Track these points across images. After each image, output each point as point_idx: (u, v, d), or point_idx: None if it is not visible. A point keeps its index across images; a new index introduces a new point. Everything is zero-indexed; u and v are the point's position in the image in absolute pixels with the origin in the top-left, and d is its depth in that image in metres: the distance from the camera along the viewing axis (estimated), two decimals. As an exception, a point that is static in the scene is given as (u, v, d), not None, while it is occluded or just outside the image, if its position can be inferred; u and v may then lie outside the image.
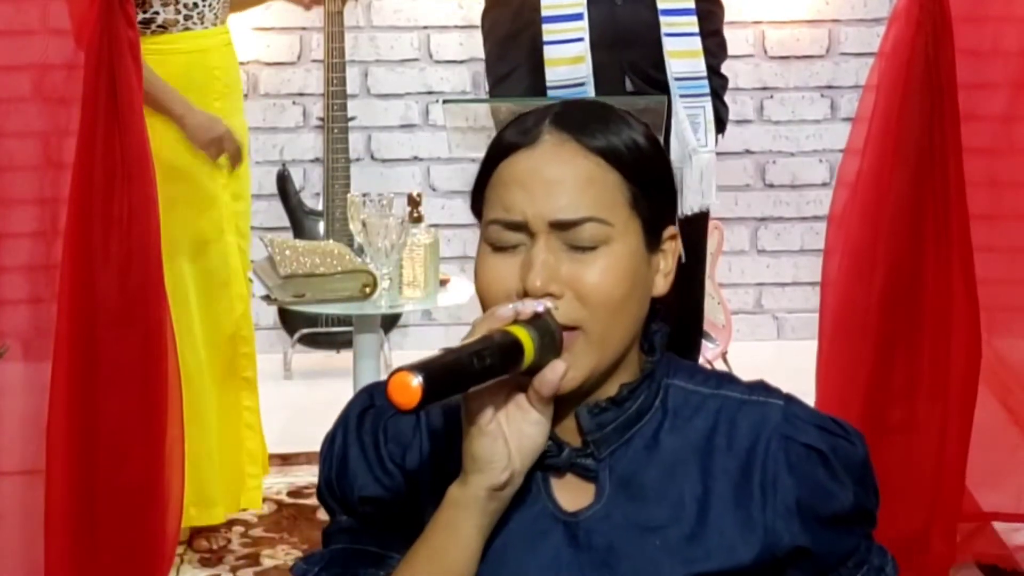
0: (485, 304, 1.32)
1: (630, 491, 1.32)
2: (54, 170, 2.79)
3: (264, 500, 3.66)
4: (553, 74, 3.35)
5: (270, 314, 4.72)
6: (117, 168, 2.74)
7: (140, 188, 2.78)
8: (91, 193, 2.72)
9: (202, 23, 3.25)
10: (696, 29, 3.42)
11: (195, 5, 3.21)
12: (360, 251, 3.03)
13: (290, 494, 3.75)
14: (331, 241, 3.73)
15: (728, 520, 1.31)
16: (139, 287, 2.79)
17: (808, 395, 2.86)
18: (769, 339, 5.25)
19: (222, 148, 3.26)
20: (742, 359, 4.76)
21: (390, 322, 4.71)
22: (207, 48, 3.25)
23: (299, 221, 4.61)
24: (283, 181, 4.65)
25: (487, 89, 5.00)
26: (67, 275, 2.72)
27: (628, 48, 3.40)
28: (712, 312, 4.18)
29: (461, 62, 4.97)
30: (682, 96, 3.42)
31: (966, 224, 2.74)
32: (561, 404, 1.30)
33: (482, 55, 5.17)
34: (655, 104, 3.07)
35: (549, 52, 3.37)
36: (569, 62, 3.37)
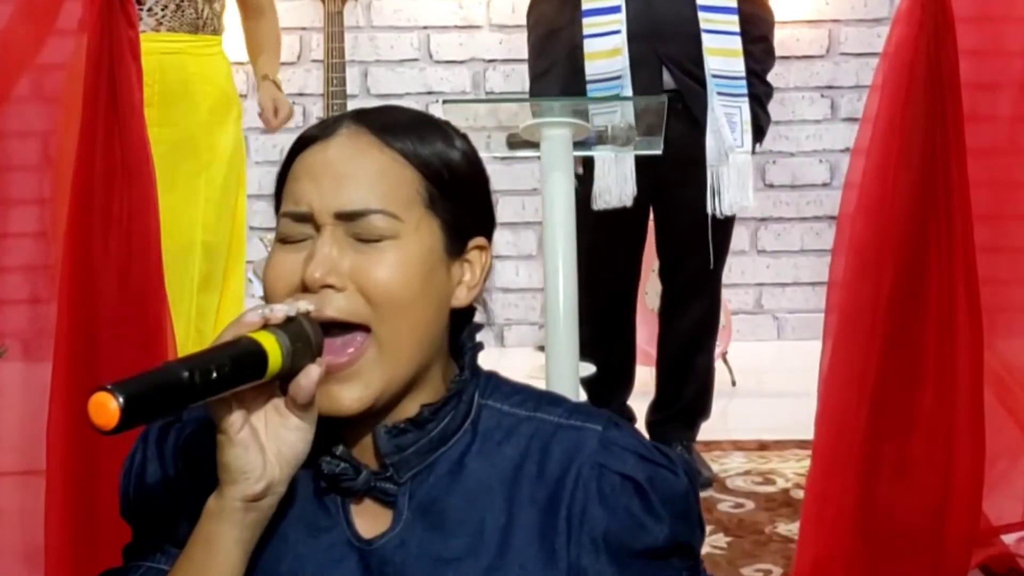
0: (269, 299, 1.26)
1: (429, 518, 1.26)
2: (54, 170, 2.79)
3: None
4: (592, 68, 3.37)
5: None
6: (117, 168, 2.74)
7: (140, 188, 2.78)
8: (91, 193, 2.72)
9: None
10: (736, 29, 3.42)
11: (149, 9, 3.19)
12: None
13: (290, 494, 3.74)
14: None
15: (531, 553, 1.24)
16: (139, 287, 2.79)
17: (808, 395, 2.85)
18: (769, 339, 5.25)
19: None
20: (742, 359, 4.76)
21: (390, 322, 4.71)
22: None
23: (299, 221, 4.61)
24: (283, 181, 4.65)
25: (487, 89, 5.01)
26: (67, 275, 2.72)
27: (665, 41, 3.41)
28: (713, 312, 4.17)
29: (461, 62, 4.98)
30: (719, 94, 3.42)
31: (969, 225, 2.74)
32: (359, 424, 1.25)
33: (482, 55, 5.18)
34: (655, 104, 3.07)
35: (588, 46, 3.38)
36: (606, 55, 3.38)
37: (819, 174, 5.15)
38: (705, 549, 3.38)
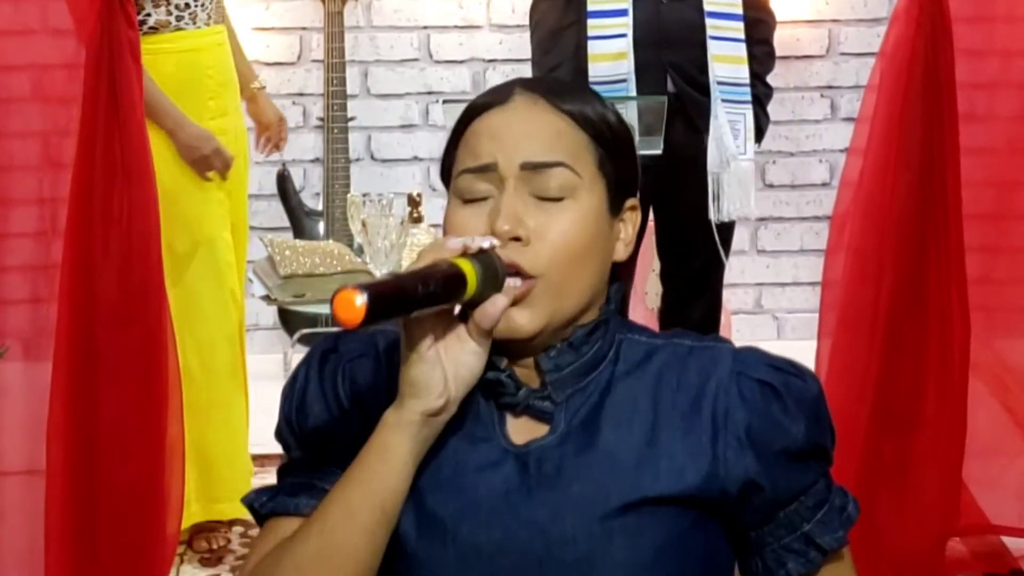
0: None
1: (582, 428, 1.34)
2: (54, 170, 2.79)
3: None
4: (595, 70, 3.36)
5: (270, 314, 4.72)
6: (117, 168, 2.74)
7: (140, 188, 2.78)
8: (91, 193, 2.72)
9: (194, 23, 3.25)
10: (742, 35, 3.42)
11: (187, 6, 3.21)
12: (360, 251, 3.03)
13: (290, 494, 3.74)
14: (331, 241, 3.73)
15: (677, 447, 1.33)
16: (139, 287, 2.79)
17: (808, 395, 2.86)
18: (769, 339, 5.24)
19: (210, 166, 3.25)
20: (742, 359, 4.77)
21: (390, 322, 4.71)
22: (199, 48, 3.25)
23: (299, 221, 4.61)
24: (283, 181, 4.65)
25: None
26: (67, 275, 2.72)
27: (671, 48, 3.40)
28: (712, 312, 4.17)
29: (461, 62, 4.97)
30: (724, 101, 3.42)
31: (959, 224, 2.74)
32: (521, 352, 1.34)
33: (482, 55, 5.17)
34: (655, 104, 3.08)
35: (592, 47, 3.37)
36: (611, 58, 3.37)
37: (819, 174, 5.15)
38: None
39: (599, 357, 1.37)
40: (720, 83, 3.40)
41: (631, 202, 1.40)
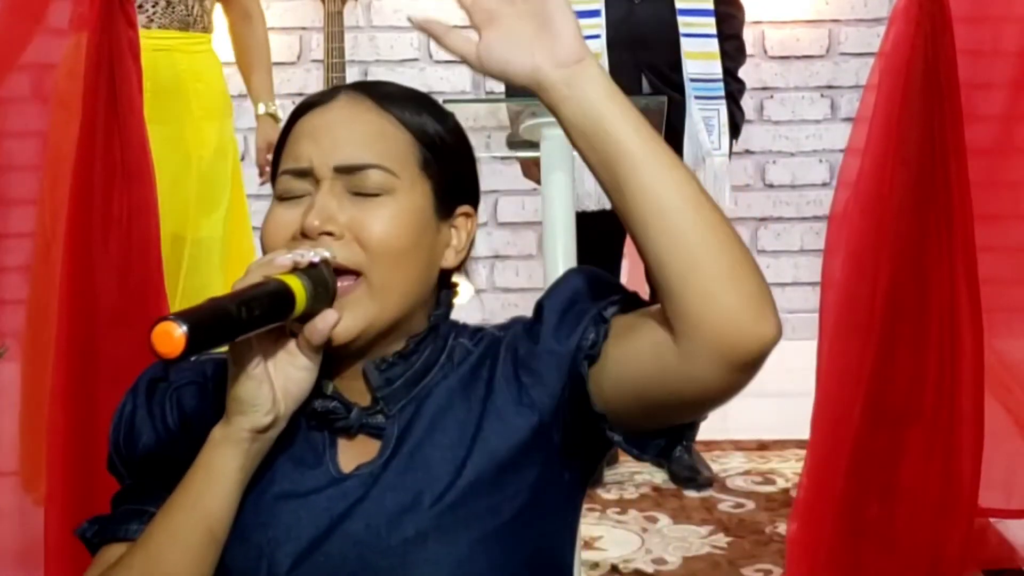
0: (267, 251, 1.32)
1: (413, 437, 1.33)
2: (49, 170, 2.78)
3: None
4: None
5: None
6: (117, 168, 2.74)
7: (140, 188, 2.78)
8: (91, 193, 2.72)
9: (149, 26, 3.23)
10: (714, 31, 3.42)
11: (140, 7, 3.19)
12: (360, 251, 3.03)
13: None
14: (331, 241, 3.73)
15: (509, 410, 1.32)
16: (139, 287, 2.79)
17: (810, 395, 2.85)
18: (769, 339, 5.24)
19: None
20: (742, 359, 4.76)
21: (390, 322, 4.72)
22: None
23: (299, 221, 4.62)
24: (283, 181, 4.66)
25: (487, 89, 5.01)
26: (67, 275, 2.72)
27: (645, 48, 3.40)
28: (712, 312, 4.17)
29: (461, 62, 4.97)
30: (697, 98, 3.42)
31: (970, 224, 2.74)
32: (346, 365, 1.33)
33: (482, 55, 5.17)
34: (655, 104, 3.07)
35: None
36: None
37: (819, 174, 5.15)
38: (705, 549, 3.38)
39: (429, 364, 1.36)
40: (693, 80, 3.40)
41: (464, 209, 1.40)
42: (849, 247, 2.80)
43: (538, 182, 3.27)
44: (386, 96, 1.38)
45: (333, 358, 1.32)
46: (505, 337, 1.38)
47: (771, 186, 5.17)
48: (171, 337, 1.13)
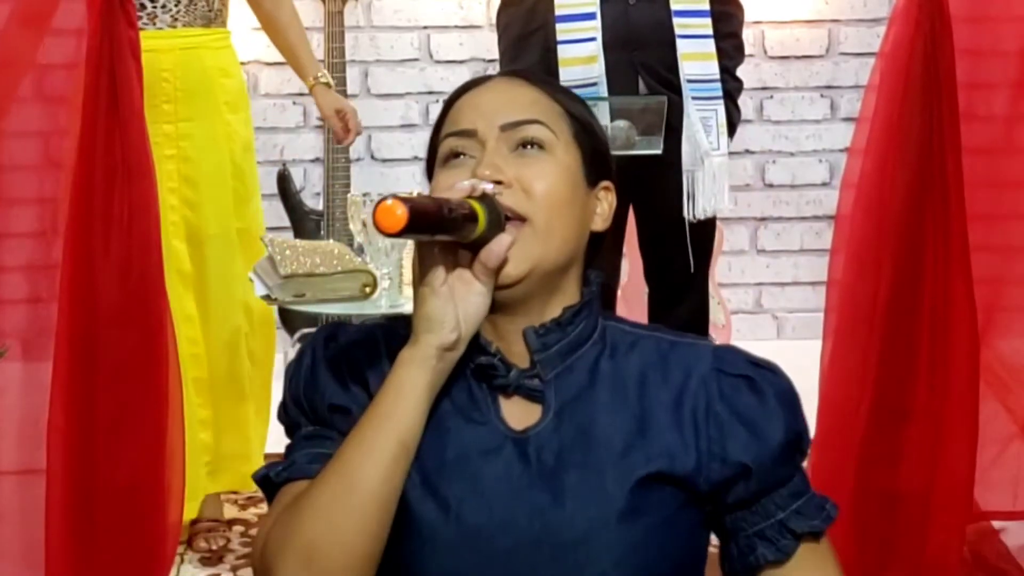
0: None
1: (574, 410, 1.41)
2: (54, 170, 2.79)
3: (263, 500, 3.65)
4: (566, 74, 3.35)
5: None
6: (117, 168, 2.74)
7: (140, 188, 2.78)
8: (91, 193, 2.72)
9: (153, 24, 3.23)
10: (710, 31, 3.41)
11: (142, 6, 3.19)
12: (360, 251, 3.03)
13: (290, 494, 3.74)
14: (331, 241, 3.74)
15: (665, 438, 1.40)
16: (139, 287, 2.79)
17: (810, 394, 2.85)
18: (769, 339, 5.25)
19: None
20: (742, 359, 4.77)
21: (390, 322, 4.71)
22: (156, 49, 3.14)
23: (299, 221, 4.61)
24: (283, 181, 4.65)
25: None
26: (67, 275, 2.72)
27: (641, 49, 3.40)
28: (712, 312, 4.17)
29: (461, 62, 4.98)
30: (694, 98, 3.41)
31: (964, 224, 2.74)
32: (505, 328, 1.42)
33: (482, 55, 5.17)
34: (655, 104, 3.08)
35: (562, 51, 3.36)
36: (582, 62, 3.37)
37: (819, 174, 5.15)
38: (705, 548, 3.39)
39: (583, 337, 1.44)
40: (690, 81, 3.39)
41: (606, 183, 1.49)
42: (852, 247, 2.81)
43: None
44: (538, 77, 1.51)
45: (494, 319, 1.41)
46: (685, 356, 1.45)
47: (771, 186, 5.17)
48: (394, 215, 1.27)
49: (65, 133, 2.76)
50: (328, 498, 1.34)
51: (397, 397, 1.36)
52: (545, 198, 1.40)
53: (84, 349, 2.74)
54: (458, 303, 1.36)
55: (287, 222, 4.64)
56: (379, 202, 1.29)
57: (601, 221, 1.48)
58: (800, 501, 1.44)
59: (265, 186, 4.72)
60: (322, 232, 4.53)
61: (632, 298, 4.41)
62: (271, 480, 1.45)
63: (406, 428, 1.36)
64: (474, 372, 1.42)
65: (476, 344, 1.41)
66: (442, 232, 1.33)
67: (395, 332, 1.45)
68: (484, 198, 1.37)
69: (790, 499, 1.44)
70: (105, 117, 2.72)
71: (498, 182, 1.39)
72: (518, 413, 1.42)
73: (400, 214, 1.27)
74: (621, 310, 4.04)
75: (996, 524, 3.14)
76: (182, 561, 3.34)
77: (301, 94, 4.86)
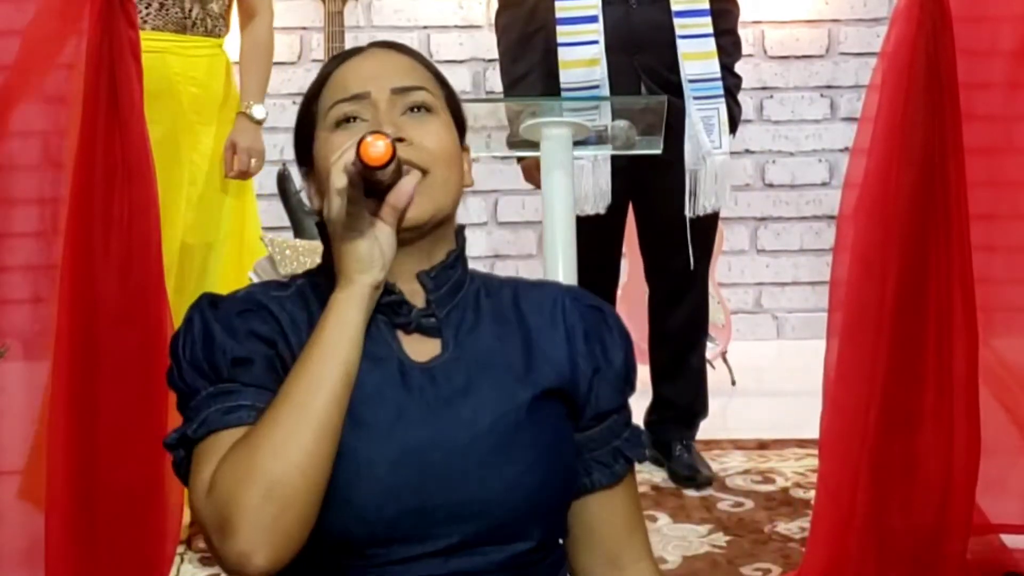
0: (326, 176, 1.49)
1: (468, 341, 1.55)
2: (54, 170, 2.79)
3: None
4: (568, 76, 3.35)
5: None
6: (117, 168, 2.74)
7: (140, 188, 2.78)
8: (91, 193, 2.72)
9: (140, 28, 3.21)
10: (710, 30, 3.42)
11: None
12: (360, 251, 3.02)
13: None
14: (331, 241, 3.72)
15: (548, 352, 1.56)
16: (139, 287, 2.79)
17: (809, 394, 2.85)
18: (769, 339, 5.25)
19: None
20: (742, 359, 4.77)
21: (390, 322, 4.71)
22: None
23: (299, 221, 4.62)
24: (283, 181, 4.65)
25: (487, 89, 5.01)
26: (67, 275, 2.72)
27: (642, 51, 3.40)
28: (712, 312, 4.18)
29: (461, 62, 4.98)
30: (696, 98, 3.42)
31: (966, 223, 2.74)
32: (400, 271, 1.52)
33: (482, 55, 5.17)
34: (655, 104, 3.08)
35: (563, 54, 3.36)
36: (584, 64, 3.37)
37: (819, 174, 5.15)
38: (704, 548, 3.39)
39: (464, 278, 1.59)
40: (691, 81, 3.40)
41: (466, 144, 1.63)
42: (856, 248, 2.80)
43: (538, 185, 3.27)
44: (407, 48, 1.63)
45: (398, 255, 1.51)
46: (545, 289, 1.63)
47: (771, 186, 5.17)
48: (378, 147, 1.40)
49: (65, 133, 2.76)
50: (285, 430, 1.41)
51: (339, 333, 1.45)
52: (440, 153, 1.53)
53: (84, 349, 2.74)
54: (378, 242, 1.47)
55: (287, 222, 4.64)
56: (362, 137, 1.40)
57: (468, 177, 1.61)
58: (628, 430, 1.61)
59: (265, 186, 4.73)
60: (322, 232, 4.53)
61: (632, 298, 4.41)
62: (188, 438, 1.49)
63: (350, 360, 1.45)
64: (378, 309, 1.51)
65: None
66: (384, 173, 1.43)
67: (267, 295, 1.55)
68: (392, 146, 1.45)
69: (623, 427, 1.61)
70: (105, 117, 2.72)
71: (399, 139, 1.49)
72: (418, 348, 1.53)
73: (384, 149, 1.40)
74: (621, 310, 4.04)
75: (1007, 540, 3.12)
76: (182, 561, 3.34)
77: (301, 94, 4.85)
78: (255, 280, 3.12)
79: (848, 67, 5.08)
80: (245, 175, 3.46)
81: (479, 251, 5.02)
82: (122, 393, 2.79)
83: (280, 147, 4.91)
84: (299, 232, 4.57)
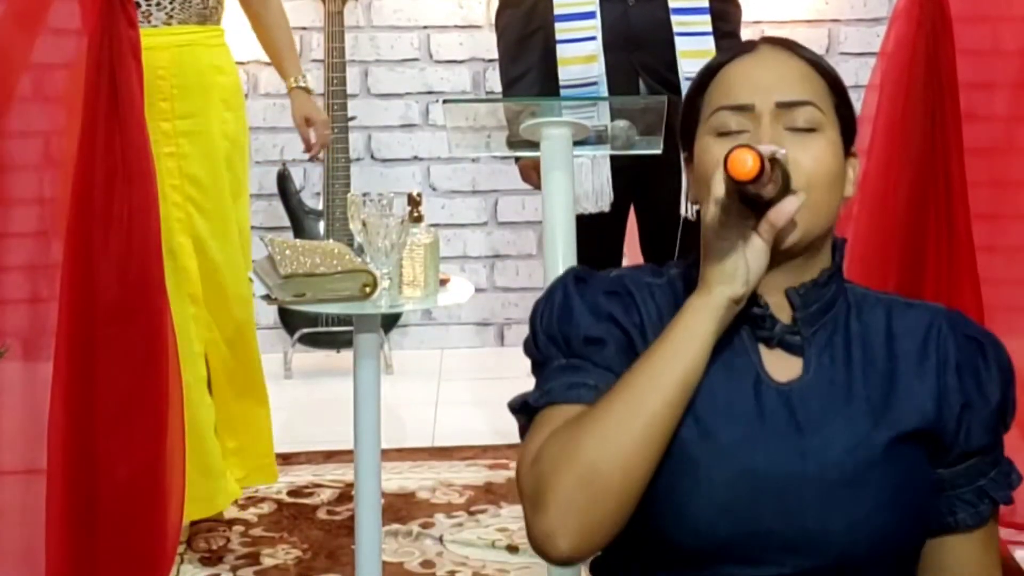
0: (706, 184, 1.46)
1: (832, 366, 1.49)
2: (54, 170, 2.79)
3: (263, 500, 3.66)
4: (566, 73, 3.35)
5: (270, 314, 4.72)
6: (117, 168, 2.74)
7: (140, 188, 2.78)
8: (91, 193, 2.72)
9: (148, 22, 3.22)
10: (709, 28, 3.41)
11: (136, 5, 3.18)
12: (360, 251, 3.03)
13: (290, 493, 3.75)
14: (331, 241, 3.73)
15: (915, 386, 1.49)
16: (139, 286, 2.79)
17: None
18: (769, 339, 5.25)
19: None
20: (742, 359, 4.77)
21: (390, 322, 4.72)
22: (151, 47, 3.06)
23: (299, 221, 4.62)
24: (283, 180, 4.66)
25: (487, 89, 5.01)
26: (67, 274, 2.72)
27: (641, 49, 3.40)
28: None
29: (461, 62, 4.98)
30: None
31: (968, 223, 2.74)
32: (771, 286, 1.49)
33: (482, 55, 5.16)
34: (655, 104, 3.07)
35: (562, 51, 3.36)
36: (582, 61, 3.36)
37: (819, 174, 5.16)
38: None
39: (836, 297, 1.53)
40: (688, 79, 3.40)
41: (854, 150, 1.56)
42: (856, 248, 2.80)
43: (536, 186, 3.26)
44: (801, 47, 1.56)
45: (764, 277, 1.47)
46: (922, 312, 1.55)
47: (771, 186, 5.18)
48: (746, 163, 1.35)
49: (65, 133, 2.76)
50: (614, 422, 1.40)
51: (688, 340, 1.43)
52: (819, 177, 1.47)
53: (84, 349, 2.74)
54: (748, 258, 1.43)
55: (287, 222, 4.64)
56: (730, 151, 1.36)
57: (851, 187, 1.55)
58: (996, 469, 1.54)
59: (265, 186, 4.73)
60: (322, 232, 4.53)
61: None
62: (529, 405, 1.50)
63: (692, 368, 1.43)
64: (743, 320, 1.48)
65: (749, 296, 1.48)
66: (760, 187, 1.39)
67: (640, 281, 1.55)
68: (776, 162, 1.42)
69: (991, 465, 1.53)
70: (105, 117, 2.72)
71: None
72: (778, 364, 1.49)
73: (752, 165, 1.35)
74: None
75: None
76: (182, 561, 3.34)
77: (301, 94, 4.86)
78: (255, 280, 3.11)
79: (848, 67, 5.08)
80: (325, 143, 3.70)
81: (479, 251, 5.02)
82: (122, 393, 2.79)
83: (280, 147, 4.91)
84: (299, 232, 4.57)
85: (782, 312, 1.51)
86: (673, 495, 1.43)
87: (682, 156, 1.60)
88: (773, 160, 1.41)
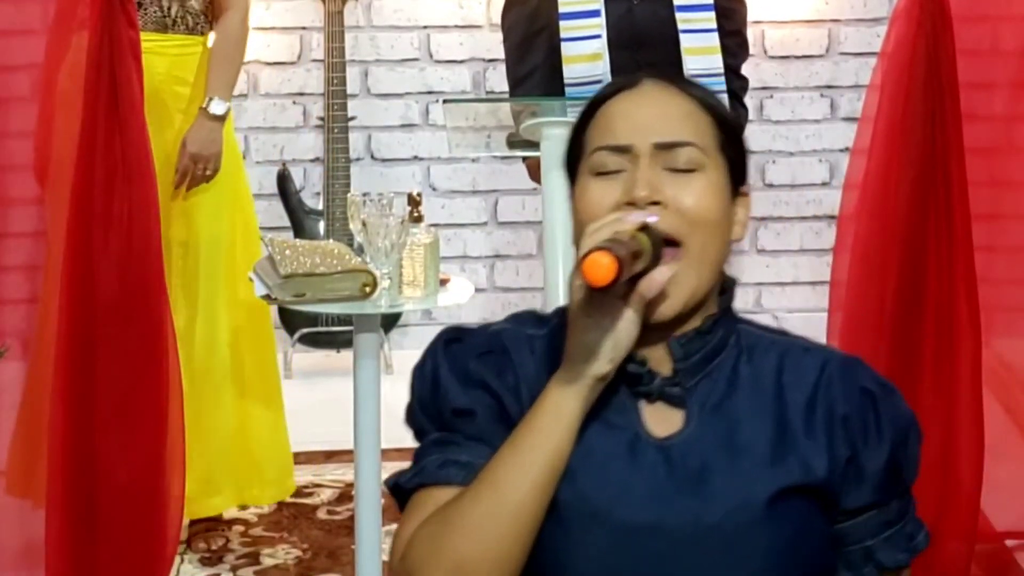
0: (588, 223, 1.42)
1: (715, 416, 1.43)
2: (52, 168, 2.79)
3: (263, 500, 3.67)
4: (570, 71, 3.35)
5: (270, 314, 4.71)
6: (117, 168, 2.74)
7: (140, 188, 2.78)
8: (91, 193, 2.72)
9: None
10: (713, 25, 3.40)
11: None
12: (360, 251, 3.03)
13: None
14: (331, 241, 3.73)
15: (802, 442, 1.42)
16: (139, 286, 2.79)
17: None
18: (769, 339, 5.24)
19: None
20: (742, 359, 4.76)
21: (390, 322, 4.71)
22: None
23: (299, 221, 4.61)
24: (283, 181, 4.65)
25: (487, 89, 5.01)
26: (67, 275, 2.72)
27: (645, 48, 3.40)
28: (712, 312, 4.18)
29: (461, 62, 4.97)
30: None
31: (968, 222, 2.74)
32: (650, 338, 1.42)
33: (482, 55, 5.16)
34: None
35: (566, 49, 3.36)
36: (587, 59, 3.37)
37: (819, 174, 5.15)
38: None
39: (722, 343, 1.47)
40: (693, 76, 3.40)
41: (743, 188, 1.50)
42: (857, 248, 2.80)
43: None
44: (686, 82, 1.52)
45: (645, 329, 1.41)
46: (817, 360, 1.47)
47: (771, 186, 5.17)
48: (602, 267, 1.30)
49: (65, 133, 2.76)
50: (480, 514, 1.37)
51: (554, 422, 1.38)
52: (700, 220, 1.42)
53: (83, 348, 2.74)
54: (615, 332, 1.38)
55: (287, 222, 4.64)
56: (586, 255, 1.31)
57: (740, 228, 1.50)
58: (890, 531, 1.46)
59: (265, 186, 4.73)
60: (322, 232, 4.53)
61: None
62: (401, 487, 1.46)
63: (559, 449, 1.38)
64: (619, 378, 1.43)
65: None
66: (629, 277, 1.34)
67: (519, 335, 1.49)
68: (647, 229, 1.38)
69: (881, 527, 1.46)
70: (105, 117, 2.72)
71: (655, 203, 1.41)
72: (659, 419, 1.44)
73: (608, 266, 1.30)
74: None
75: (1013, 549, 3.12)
76: (182, 561, 3.34)
77: (301, 94, 4.86)
78: (254, 280, 3.11)
79: (848, 67, 5.08)
80: (196, 180, 3.31)
81: (479, 251, 5.02)
82: (122, 393, 2.79)
83: (280, 147, 4.91)
84: (299, 232, 4.57)
85: (663, 364, 1.45)
86: (555, 556, 1.40)
87: (568, 192, 1.55)
88: (646, 227, 1.38)
